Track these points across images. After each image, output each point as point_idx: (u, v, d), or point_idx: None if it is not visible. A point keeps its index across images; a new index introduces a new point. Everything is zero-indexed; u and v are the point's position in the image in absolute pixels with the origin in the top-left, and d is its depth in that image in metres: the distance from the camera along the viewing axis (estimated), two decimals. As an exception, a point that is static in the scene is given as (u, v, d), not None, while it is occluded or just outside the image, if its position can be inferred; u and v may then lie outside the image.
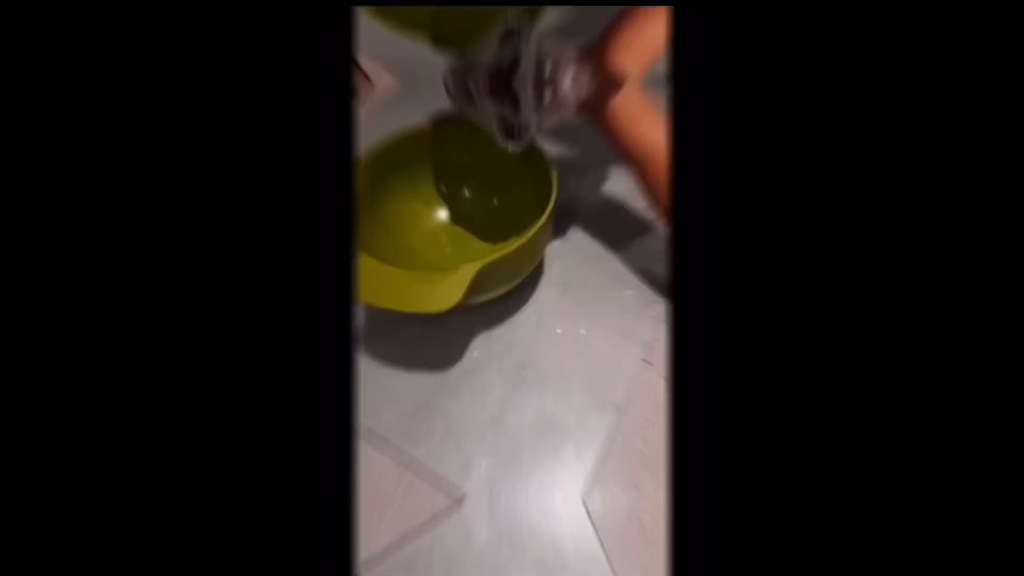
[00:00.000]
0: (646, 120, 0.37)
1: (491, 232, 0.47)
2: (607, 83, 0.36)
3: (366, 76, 0.64)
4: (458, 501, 0.33)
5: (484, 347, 0.41)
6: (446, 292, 0.31)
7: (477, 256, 0.32)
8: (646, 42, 0.36)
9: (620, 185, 0.52)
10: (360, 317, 0.43)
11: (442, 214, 0.49)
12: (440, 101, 0.40)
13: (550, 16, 0.43)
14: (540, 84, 0.34)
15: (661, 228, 0.47)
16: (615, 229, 0.49)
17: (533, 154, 0.40)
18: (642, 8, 0.36)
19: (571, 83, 0.35)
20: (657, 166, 0.37)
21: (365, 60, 0.64)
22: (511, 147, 0.36)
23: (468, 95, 0.37)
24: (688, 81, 0.19)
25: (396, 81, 0.56)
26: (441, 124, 0.44)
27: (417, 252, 0.45)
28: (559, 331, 0.41)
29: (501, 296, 0.40)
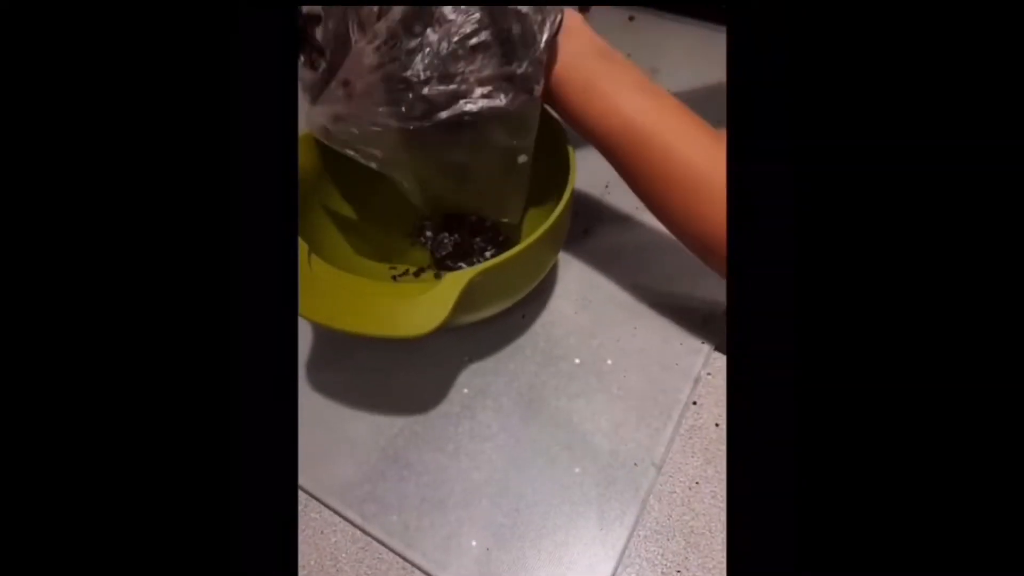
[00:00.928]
0: (615, 87, 0.29)
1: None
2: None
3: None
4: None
5: (475, 382, 0.38)
6: (426, 310, 0.28)
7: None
8: None
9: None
10: (303, 338, 0.40)
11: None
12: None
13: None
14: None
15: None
16: (656, 224, 0.45)
17: (543, 122, 0.35)
18: None
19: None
20: (643, 156, 0.29)
21: None
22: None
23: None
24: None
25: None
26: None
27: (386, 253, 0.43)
28: (577, 361, 0.39)
29: (499, 315, 0.38)
